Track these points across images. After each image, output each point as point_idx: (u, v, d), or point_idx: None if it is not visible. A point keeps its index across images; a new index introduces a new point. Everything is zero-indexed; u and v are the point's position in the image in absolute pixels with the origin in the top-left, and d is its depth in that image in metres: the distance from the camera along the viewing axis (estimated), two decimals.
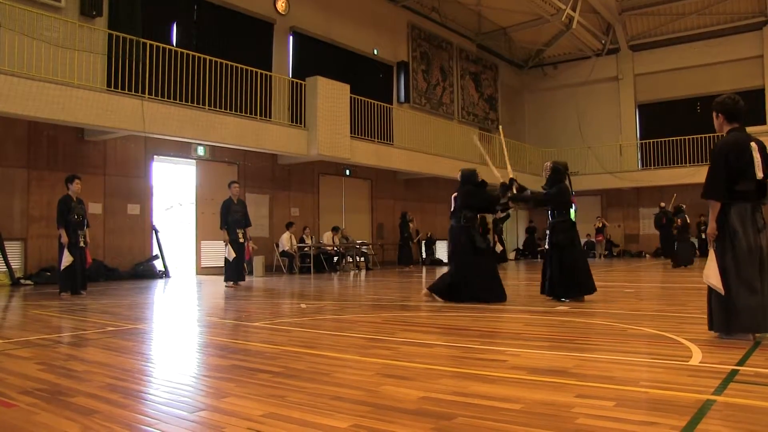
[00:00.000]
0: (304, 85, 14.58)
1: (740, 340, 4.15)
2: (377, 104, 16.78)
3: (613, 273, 13.32)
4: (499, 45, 24.28)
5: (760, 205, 4.23)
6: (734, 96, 4.39)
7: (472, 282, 7.29)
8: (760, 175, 4.14)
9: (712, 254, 4.26)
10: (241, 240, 10.80)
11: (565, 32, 21.94)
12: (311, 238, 15.61)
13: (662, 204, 17.26)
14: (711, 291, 4.26)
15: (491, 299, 7.20)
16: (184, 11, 13.75)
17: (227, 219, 10.71)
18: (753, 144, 4.20)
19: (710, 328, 4.32)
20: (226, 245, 10.69)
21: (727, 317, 4.16)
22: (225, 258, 10.71)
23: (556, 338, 4.82)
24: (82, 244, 8.85)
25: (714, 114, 4.42)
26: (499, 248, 18.58)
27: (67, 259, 8.65)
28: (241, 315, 6.48)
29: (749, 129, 4.49)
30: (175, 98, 11.74)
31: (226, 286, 10.50)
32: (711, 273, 4.21)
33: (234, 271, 10.69)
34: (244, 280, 11.04)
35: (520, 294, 8.52)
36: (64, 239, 8.67)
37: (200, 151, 13.87)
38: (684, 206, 15.72)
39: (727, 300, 4.14)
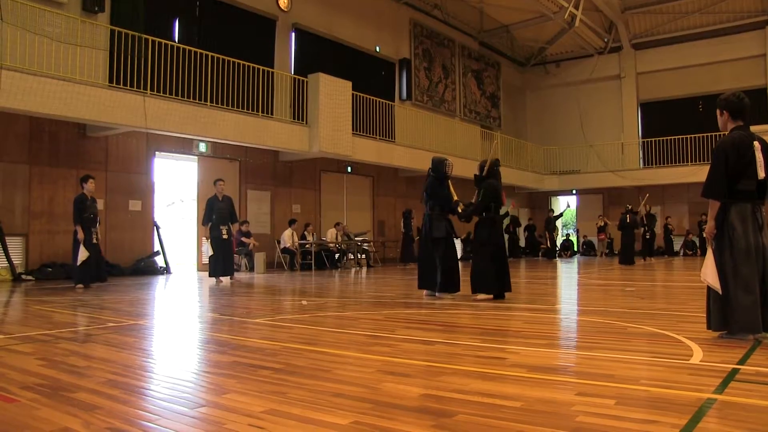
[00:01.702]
0: (306, 81, 14.58)
1: (741, 339, 4.15)
2: (379, 101, 16.77)
3: (614, 271, 13.32)
4: (501, 43, 24.26)
5: (761, 204, 4.22)
6: (739, 93, 4.36)
7: (420, 270, 7.72)
8: (762, 174, 4.13)
9: (710, 253, 4.24)
10: (225, 236, 10.84)
11: (568, 30, 21.89)
12: (313, 235, 15.61)
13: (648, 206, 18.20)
14: (710, 290, 4.25)
15: (429, 287, 7.56)
16: (186, 7, 13.74)
17: (211, 216, 10.78)
18: (756, 143, 4.18)
19: (708, 327, 4.31)
20: (207, 241, 10.84)
21: (724, 316, 4.15)
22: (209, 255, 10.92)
23: (557, 336, 4.82)
24: (95, 240, 9.31)
25: (718, 111, 4.39)
26: None
27: (83, 254, 9.08)
28: (241, 311, 6.49)
29: (751, 128, 4.47)
30: (176, 94, 11.74)
31: (217, 282, 10.63)
32: (708, 272, 4.19)
33: (218, 267, 10.79)
34: (231, 274, 11.03)
35: (521, 292, 8.51)
36: (81, 236, 9.07)
37: (202, 147, 13.88)
38: (629, 206, 17.17)
39: (724, 299, 4.13)
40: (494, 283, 7.19)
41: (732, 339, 4.18)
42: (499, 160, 7.66)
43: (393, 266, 16.68)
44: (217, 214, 10.75)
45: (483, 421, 2.43)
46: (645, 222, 17.89)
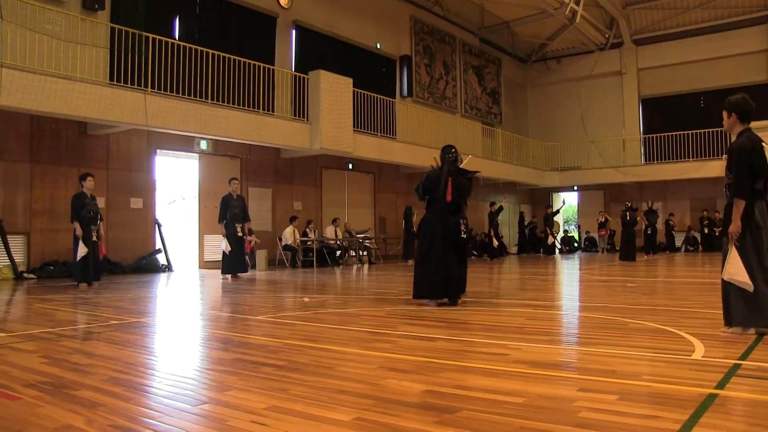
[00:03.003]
0: (307, 78, 14.56)
1: (742, 334, 4.15)
2: (380, 98, 16.76)
3: (615, 267, 13.31)
4: (502, 39, 24.21)
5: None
6: (745, 96, 4.43)
7: None
8: None
9: (735, 253, 4.18)
10: (240, 234, 11.08)
11: (569, 26, 21.85)
12: (314, 232, 15.62)
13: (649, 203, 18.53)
14: (729, 287, 4.20)
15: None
16: (186, 5, 13.72)
17: (226, 214, 10.94)
18: (764, 144, 4.29)
19: (728, 324, 4.28)
20: (223, 239, 10.98)
21: (750, 312, 4.13)
22: (222, 251, 11.06)
23: (558, 332, 4.83)
24: (95, 238, 9.26)
25: (725, 113, 4.41)
26: (495, 243, 18.58)
27: (82, 250, 9.06)
28: (243, 308, 6.49)
29: (754, 124, 4.50)
30: (177, 92, 11.73)
31: (223, 279, 10.72)
32: (737, 271, 4.13)
33: (233, 264, 10.95)
34: (246, 271, 11.34)
35: (523, 288, 8.52)
36: (79, 232, 9.06)
37: (203, 145, 13.87)
38: (629, 203, 17.35)
39: (754, 295, 4.10)
40: (421, 285, 6.33)
41: (733, 335, 4.17)
42: (451, 146, 6.53)
43: (395, 263, 16.68)
44: (231, 213, 10.93)
45: (485, 417, 2.44)
46: (647, 219, 17.93)
